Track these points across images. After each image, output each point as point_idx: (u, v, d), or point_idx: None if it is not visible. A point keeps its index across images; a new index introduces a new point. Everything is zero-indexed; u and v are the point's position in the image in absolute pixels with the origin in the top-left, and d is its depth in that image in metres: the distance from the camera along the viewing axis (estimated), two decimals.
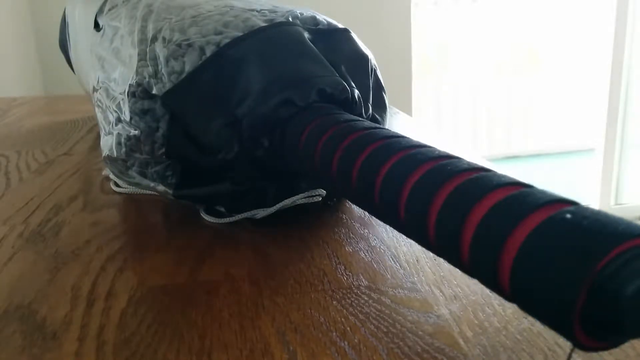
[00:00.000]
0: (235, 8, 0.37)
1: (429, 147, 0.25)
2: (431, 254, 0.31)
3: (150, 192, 0.40)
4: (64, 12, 0.62)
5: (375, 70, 0.40)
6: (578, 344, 0.17)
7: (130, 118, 0.35)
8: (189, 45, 0.35)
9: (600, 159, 2.36)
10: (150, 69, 0.35)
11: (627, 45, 2.23)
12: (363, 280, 0.29)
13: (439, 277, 0.29)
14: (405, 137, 0.27)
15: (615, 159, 2.34)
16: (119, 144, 0.37)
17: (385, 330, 0.25)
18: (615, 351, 0.22)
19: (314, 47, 0.36)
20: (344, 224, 0.36)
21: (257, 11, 0.37)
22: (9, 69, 1.48)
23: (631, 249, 0.16)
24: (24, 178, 0.48)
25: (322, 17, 0.39)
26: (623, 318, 0.16)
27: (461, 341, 0.24)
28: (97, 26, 0.46)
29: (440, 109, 2.83)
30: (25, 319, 0.26)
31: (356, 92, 0.35)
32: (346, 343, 0.24)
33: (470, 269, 0.21)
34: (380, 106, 0.40)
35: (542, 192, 0.19)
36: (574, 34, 2.88)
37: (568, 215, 0.17)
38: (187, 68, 0.34)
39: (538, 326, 0.24)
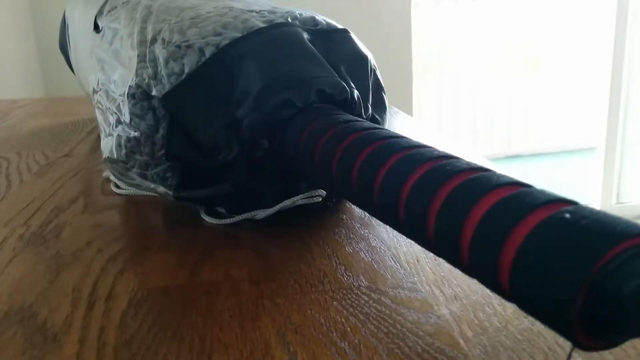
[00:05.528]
0: (234, 9, 0.37)
1: (428, 147, 0.25)
2: (431, 254, 0.31)
3: (150, 193, 0.40)
4: (64, 13, 0.62)
5: (374, 70, 0.40)
6: (578, 344, 0.17)
7: (130, 120, 0.36)
8: (188, 46, 0.35)
9: (602, 157, 2.36)
10: (149, 70, 0.35)
11: (627, 43, 2.23)
12: (363, 280, 0.29)
13: (439, 277, 0.29)
14: (405, 138, 0.27)
15: (616, 157, 2.34)
16: (119, 145, 0.37)
17: (385, 330, 0.25)
18: (616, 350, 0.22)
19: (313, 48, 0.36)
20: (344, 225, 0.36)
21: (256, 12, 0.37)
22: (9, 71, 1.48)
23: (630, 248, 0.16)
24: (25, 180, 0.48)
25: (321, 18, 0.39)
26: (623, 317, 0.16)
27: (461, 341, 0.24)
28: (96, 28, 0.46)
29: (441, 108, 2.83)
30: (26, 321, 0.26)
31: (355, 92, 0.35)
32: (346, 343, 0.24)
33: (469, 269, 0.21)
34: (380, 106, 0.40)
35: (541, 192, 0.19)
36: (574, 33, 2.87)
37: (567, 215, 0.17)
38: (187, 69, 0.34)
39: (538, 326, 0.24)
